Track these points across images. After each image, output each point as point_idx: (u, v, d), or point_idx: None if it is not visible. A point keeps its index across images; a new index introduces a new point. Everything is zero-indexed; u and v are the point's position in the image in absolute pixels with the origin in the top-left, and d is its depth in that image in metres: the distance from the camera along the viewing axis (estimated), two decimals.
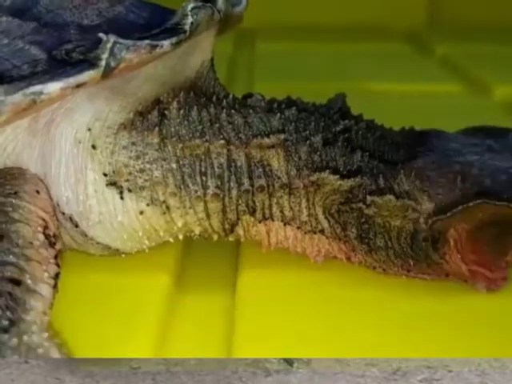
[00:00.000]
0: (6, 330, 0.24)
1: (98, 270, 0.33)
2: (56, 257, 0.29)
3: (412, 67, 0.76)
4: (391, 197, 0.31)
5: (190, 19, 0.31)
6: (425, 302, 0.32)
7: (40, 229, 0.29)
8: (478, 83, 0.71)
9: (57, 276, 0.28)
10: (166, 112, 0.32)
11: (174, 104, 0.32)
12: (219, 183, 0.32)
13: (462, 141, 0.33)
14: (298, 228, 0.33)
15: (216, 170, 0.32)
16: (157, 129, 0.32)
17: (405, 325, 0.30)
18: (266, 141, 0.32)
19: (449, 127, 0.35)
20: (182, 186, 0.32)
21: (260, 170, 0.32)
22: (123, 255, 0.34)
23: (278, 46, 0.89)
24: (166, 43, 0.30)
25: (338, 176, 0.32)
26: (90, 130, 0.31)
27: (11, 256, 0.27)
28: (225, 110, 0.32)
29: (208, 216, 0.33)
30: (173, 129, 0.32)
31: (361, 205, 0.32)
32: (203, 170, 0.32)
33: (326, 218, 0.32)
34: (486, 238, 0.31)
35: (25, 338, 0.24)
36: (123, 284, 0.33)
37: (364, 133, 0.33)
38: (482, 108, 0.62)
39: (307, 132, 0.32)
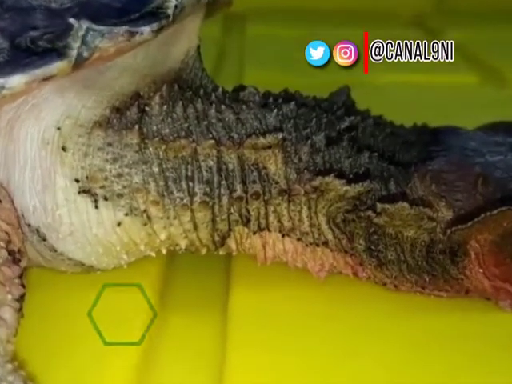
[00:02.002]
0: None
1: (69, 290, 0.33)
2: (21, 276, 0.28)
3: None
4: (404, 204, 0.31)
5: (173, 2, 0.30)
6: (442, 323, 0.31)
7: (2, 244, 0.29)
8: (494, 72, 0.73)
9: (22, 298, 0.28)
10: (147, 108, 0.32)
11: (156, 99, 0.32)
12: (208, 189, 0.32)
13: (481, 139, 0.33)
14: (299, 240, 0.33)
15: (204, 174, 0.32)
16: (136, 127, 0.31)
17: (418, 348, 0.30)
18: (262, 140, 0.32)
19: (464, 122, 0.35)
20: (166, 193, 0.32)
21: (255, 173, 0.32)
22: (98, 272, 0.34)
23: (272, 31, 0.90)
24: (147, 30, 0.30)
25: (343, 180, 0.32)
26: (59, 128, 0.31)
27: None
28: (214, 106, 0.32)
29: (195, 227, 0.33)
30: (155, 127, 0.32)
31: (370, 213, 0.31)
32: (189, 174, 0.32)
33: (330, 228, 0.32)
34: (511, 250, 0.30)
35: None
36: (98, 306, 0.32)
37: (372, 130, 0.33)
38: (499, 100, 0.63)
39: (308, 130, 0.32)
